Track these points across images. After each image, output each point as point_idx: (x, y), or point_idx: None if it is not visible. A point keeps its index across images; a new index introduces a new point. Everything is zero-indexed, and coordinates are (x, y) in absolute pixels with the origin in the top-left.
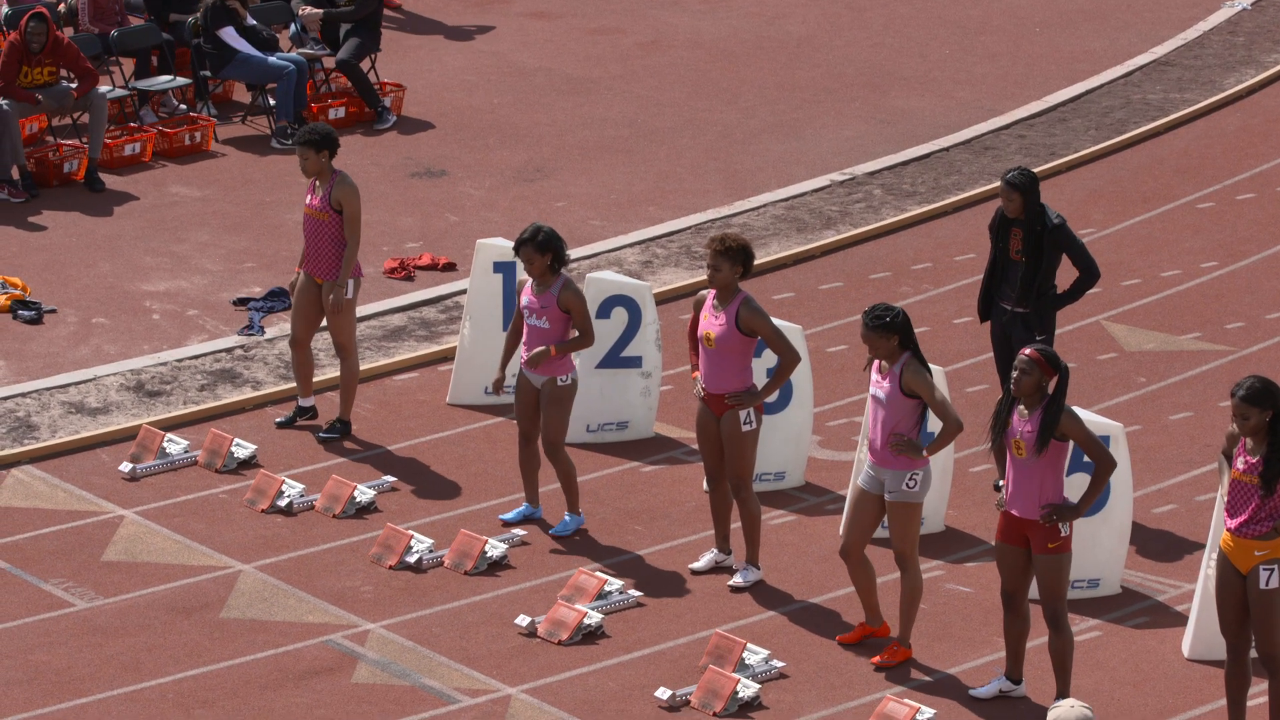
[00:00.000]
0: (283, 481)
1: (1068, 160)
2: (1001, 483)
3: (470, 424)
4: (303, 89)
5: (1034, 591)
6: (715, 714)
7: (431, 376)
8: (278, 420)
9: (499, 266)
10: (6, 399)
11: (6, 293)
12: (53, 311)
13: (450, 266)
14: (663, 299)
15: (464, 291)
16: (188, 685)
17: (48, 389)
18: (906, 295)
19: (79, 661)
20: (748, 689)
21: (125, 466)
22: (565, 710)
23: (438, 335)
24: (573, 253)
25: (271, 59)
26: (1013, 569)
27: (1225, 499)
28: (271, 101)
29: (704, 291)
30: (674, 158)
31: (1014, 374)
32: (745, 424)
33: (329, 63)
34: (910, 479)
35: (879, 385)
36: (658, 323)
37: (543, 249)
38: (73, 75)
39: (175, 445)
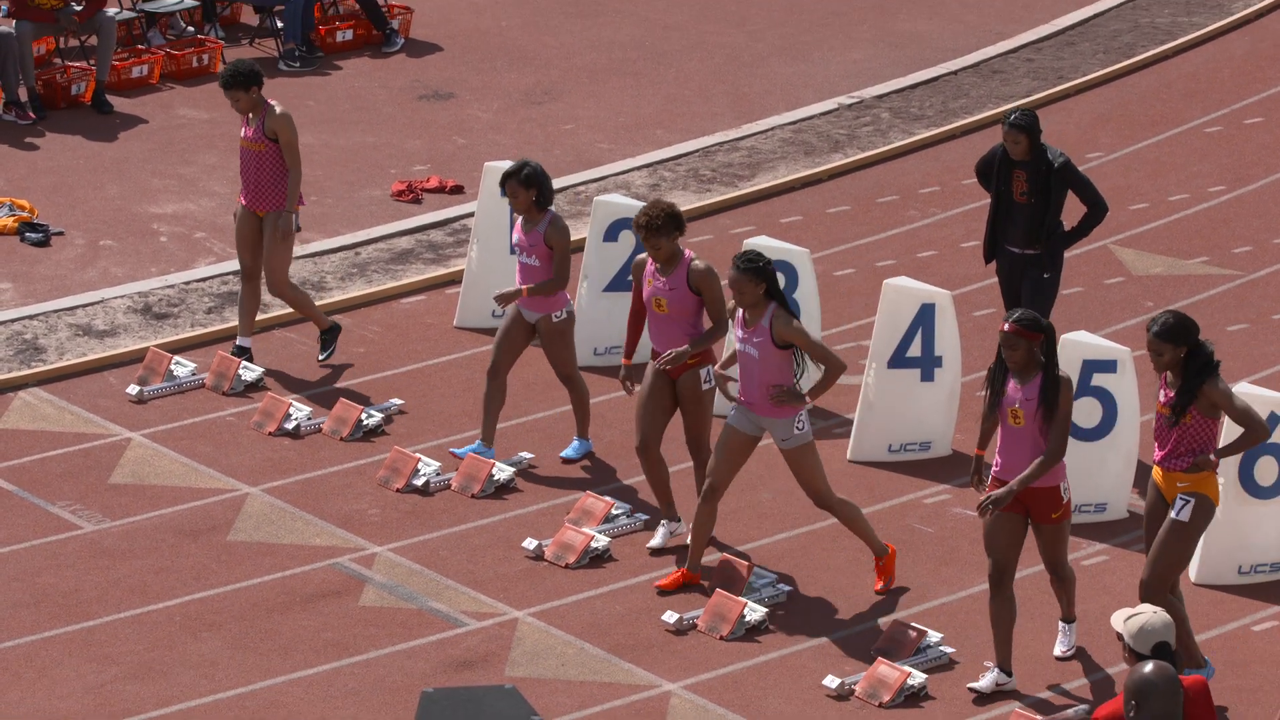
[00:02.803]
0: (290, 404)
1: (1076, 84)
2: (980, 456)
3: (477, 347)
4: (310, 11)
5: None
6: (722, 638)
7: (439, 299)
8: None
9: None
10: (14, 321)
11: (14, 215)
12: (60, 234)
13: (458, 189)
14: None
15: (472, 214)
16: (195, 608)
17: (55, 311)
18: (914, 219)
19: (86, 584)
20: (755, 613)
21: (132, 389)
22: (572, 634)
23: (445, 258)
24: (580, 175)
25: None
26: (1010, 537)
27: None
28: (279, 24)
29: (642, 255)
30: (682, 80)
31: (1003, 352)
32: (705, 382)
33: None
34: (798, 423)
35: (748, 341)
36: None
37: (527, 183)
38: None
39: (182, 368)
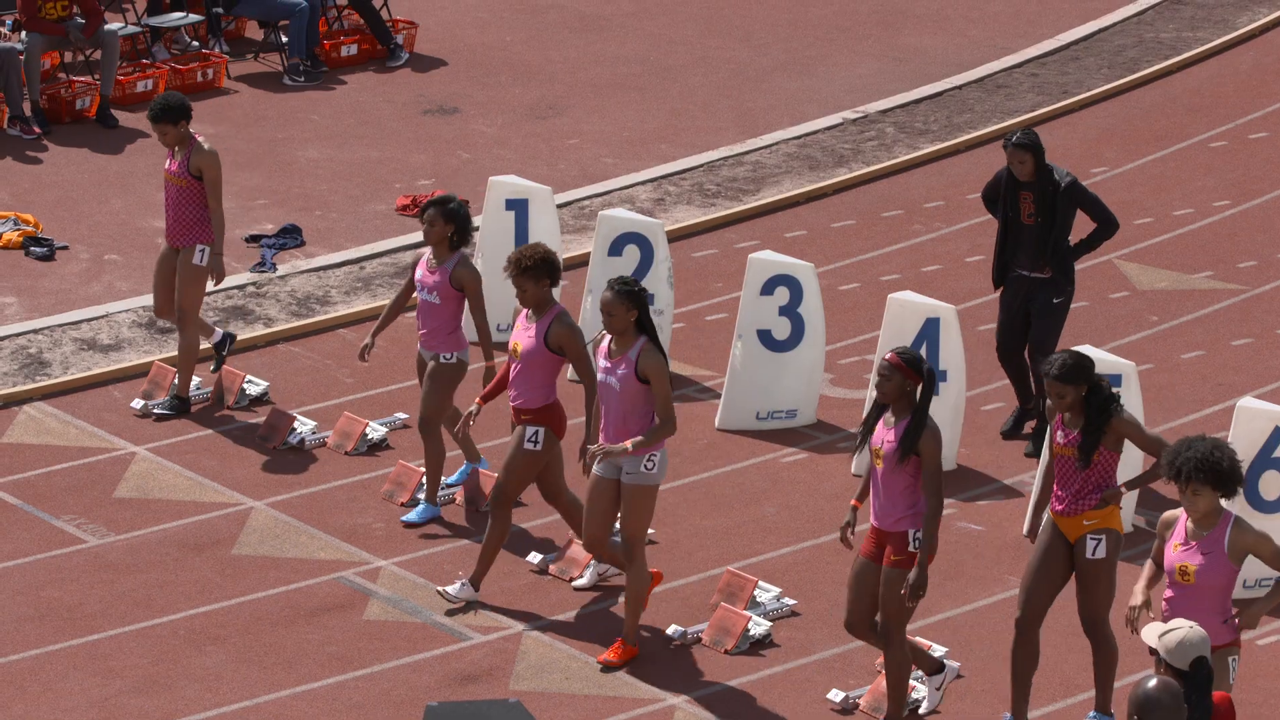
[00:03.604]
0: (294, 418)
1: (1080, 99)
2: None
3: (482, 360)
4: (315, 26)
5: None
6: (727, 651)
7: None
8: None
9: (511, 204)
10: (19, 335)
11: (19, 229)
12: (65, 248)
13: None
14: (675, 237)
15: (476, 229)
16: (199, 621)
17: (60, 325)
18: (919, 233)
19: (91, 598)
20: (759, 627)
21: (137, 403)
22: (577, 648)
23: None
24: (585, 190)
25: None
26: (873, 586)
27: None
28: (284, 38)
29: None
30: (686, 95)
31: (877, 380)
32: (528, 441)
33: None
34: (648, 461)
35: (611, 372)
36: (670, 260)
37: (448, 217)
38: (81, 12)
39: None
